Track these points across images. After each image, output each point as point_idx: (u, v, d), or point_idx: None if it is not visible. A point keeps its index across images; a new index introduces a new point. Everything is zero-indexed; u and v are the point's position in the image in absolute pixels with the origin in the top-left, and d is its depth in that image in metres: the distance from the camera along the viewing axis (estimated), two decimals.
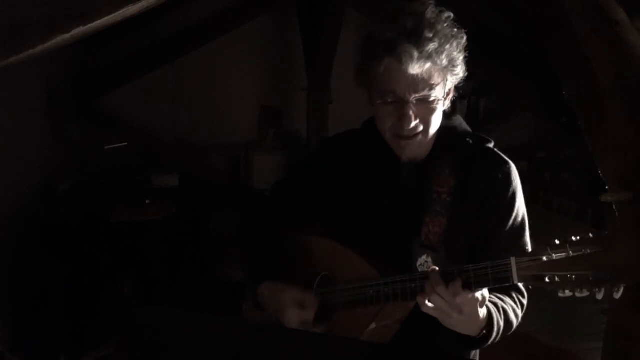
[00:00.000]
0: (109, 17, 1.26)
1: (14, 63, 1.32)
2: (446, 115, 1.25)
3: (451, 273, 1.07)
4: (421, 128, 1.17)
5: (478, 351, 1.37)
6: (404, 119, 1.14)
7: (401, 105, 1.13)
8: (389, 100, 1.14)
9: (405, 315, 1.21)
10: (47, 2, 1.23)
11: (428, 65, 1.09)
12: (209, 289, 3.26)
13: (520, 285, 1.26)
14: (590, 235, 0.98)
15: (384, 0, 1.17)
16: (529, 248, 1.24)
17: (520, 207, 1.25)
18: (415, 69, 1.08)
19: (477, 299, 1.07)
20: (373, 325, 1.20)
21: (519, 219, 1.24)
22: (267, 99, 4.49)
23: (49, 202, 3.15)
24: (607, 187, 1.50)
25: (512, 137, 4.47)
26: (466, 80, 1.24)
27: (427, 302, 1.08)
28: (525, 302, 1.28)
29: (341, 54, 3.77)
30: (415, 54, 1.07)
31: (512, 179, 1.24)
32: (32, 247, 2.86)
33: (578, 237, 0.99)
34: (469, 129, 1.30)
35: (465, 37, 1.16)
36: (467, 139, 1.27)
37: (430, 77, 1.11)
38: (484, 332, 1.15)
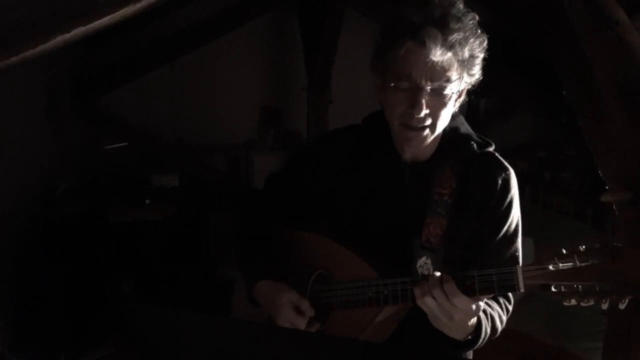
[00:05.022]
0: (109, 17, 1.26)
1: (14, 63, 1.32)
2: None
3: (455, 278, 1.07)
4: (430, 121, 1.15)
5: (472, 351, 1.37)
6: (416, 105, 1.11)
7: (415, 92, 1.11)
8: (403, 86, 1.12)
9: (403, 315, 1.21)
10: (47, 2, 1.23)
11: (449, 54, 1.08)
12: (209, 289, 3.26)
13: None
14: (598, 245, 0.98)
15: (384, 0, 1.17)
16: (520, 253, 1.26)
17: (515, 215, 1.26)
18: (437, 55, 1.07)
19: (471, 309, 1.07)
20: (371, 326, 1.20)
21: (513, 226, 1.25)
22: (267, 99, 4.49)
23: (49, 202, 3.14)
24: (607, 187, 1.50)
25: (512, 137, 4.47)
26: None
27: (421, 299, 1.08)
28: (510, 307, 1.29)
29: (341, 54, 3.78)
30: (440, 40, 1.06)
31: (511, 186, 1.24)
32: (32, 247, 2.86)
33: (585, 247, 0.99)
34: (470, 129, 1.30)
35: (486, 41, 1.15)
36: (470, 142, 1.26)
37: (449, 68, 1.10)
38: (469, 337, 1.15)
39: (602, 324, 1.79)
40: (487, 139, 1.30)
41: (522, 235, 1.29)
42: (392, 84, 1.14)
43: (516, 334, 2.48)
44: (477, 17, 1.13)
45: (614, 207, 1.47)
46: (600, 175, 1.52)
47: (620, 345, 1.55)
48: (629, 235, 1.48)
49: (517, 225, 1.26)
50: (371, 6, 3.24)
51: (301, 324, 1.21)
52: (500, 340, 1.22)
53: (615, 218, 1.48)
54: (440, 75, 1.10)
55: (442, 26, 1.07)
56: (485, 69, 1.19)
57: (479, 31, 1.13)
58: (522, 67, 3.39)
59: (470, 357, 1.37)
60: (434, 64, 1.08)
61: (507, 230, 1.24)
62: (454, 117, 1.27)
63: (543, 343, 2.78)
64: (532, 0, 1.69)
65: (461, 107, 1.28)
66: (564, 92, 1.59)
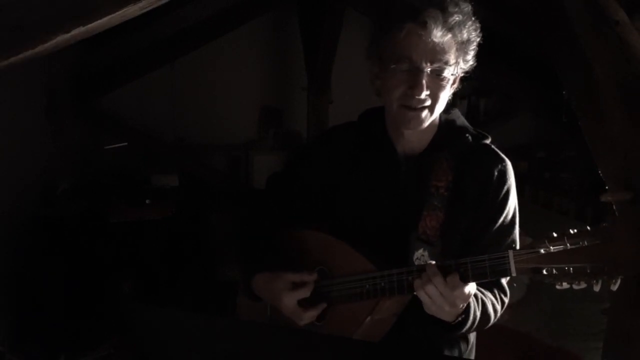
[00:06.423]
0: (109, 17, 1.26)
1: (14, 63, 1.32)
2: (444, 109, 1.26)
3: (449, 266, 1.09)
4: (429, 102, 1.17)
5: (474, 349, 1.38)
6: (417, 86, 1.14)
7: (415, 74, 1.14)
8: (404, 68, 1.14)
9: (402, 308, 1.22)
10: (47, 2, 1.23)
11: (449, 36, 1.12)
12: (209, 289, 3.26)
13: (504, 282, 1.29)
14: (588, 228, 0.99)
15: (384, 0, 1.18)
16: (517, 244, 1.26)
17: (512, 205, 1.27)
18: (438, 36, 1.10)
19: (466, 294, 1.09)
20: (369, 319, 1.21)
21: (510, 216, 1.26)
22: (267, 99, 4.49)
23: (49, 202, 3.15)
24: (607, 187, 1.50)
25: (512, 137, 4.47)
26: (466, 80, 1.24)
27: (422, 289, 1.10)
28: (506, 300, 1.30)
29: (341, 54, 3.78)
30: (441, 21, 1.09)
31: (507, 176, 1.26)
32: (32, 246, 2.86)
33: (576, 230, 1.00)
34: (466, 122, 1.32)
35: (479, 28, 1.18)
36: (466, 134, 1.28)
37: (448, 49, 1.13)
38: (459, 319, 1.16)
39: (602, 324, 1.79)
40: (483, 132, 1.31)
41: (522, 235, 1.29)
42: (393, 66, 1.15)
43: (516, 334, 2.48)
44: (470, 6, 1.16)
45: (614, 207, 1.47)
46: (600, 175, 1.52)
47: (620, 345, 1.55)
48: (627, 228, 1.48)
49: (513, 216, 1.27)
50: (371, 6, 3.25)
51: (304, 294, 1.23)
52: (501, 340, 1.22)
53: (615, 218, 1.47)
54: (439, 57, 1.13)
55: (441, 8, 1.10)
56: (485, 68, 1.20)
57: (473, 18, 1.17)
58: (522, 67, 3.39)
59: (472, 356, 1.38)
60: (434, 45, 1.11)
61: (504, 220, 1.25)
62: (449, 110, 1.29)
63: (543, 343, 2.78)
64: (533, 0, 1.69)
65: (461, 107, 1.28)
66: (564, 92, 1.59)
